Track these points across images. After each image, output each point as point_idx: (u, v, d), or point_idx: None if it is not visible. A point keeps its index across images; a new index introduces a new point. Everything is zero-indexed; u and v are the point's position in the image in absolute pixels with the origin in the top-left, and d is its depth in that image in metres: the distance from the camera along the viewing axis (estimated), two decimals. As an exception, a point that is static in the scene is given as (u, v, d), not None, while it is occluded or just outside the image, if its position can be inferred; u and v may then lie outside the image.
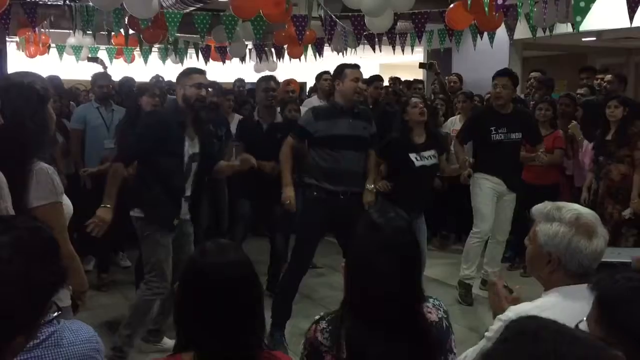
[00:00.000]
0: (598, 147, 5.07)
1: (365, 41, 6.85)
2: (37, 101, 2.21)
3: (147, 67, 8.48)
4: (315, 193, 4.01)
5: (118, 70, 8.42)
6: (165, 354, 1.69)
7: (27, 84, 2.21)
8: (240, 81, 8.40)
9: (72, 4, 6.58)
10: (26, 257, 1.14)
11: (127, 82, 6.24)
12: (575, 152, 5.66)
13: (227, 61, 8.63)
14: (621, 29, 6.27)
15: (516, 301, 1.98)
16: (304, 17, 5.74)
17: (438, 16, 5.95)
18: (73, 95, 6.92)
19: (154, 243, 3.66)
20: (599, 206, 4.87)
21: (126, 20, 6.16)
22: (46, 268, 1.17)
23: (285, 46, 7.93)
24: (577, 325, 1.41)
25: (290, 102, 5.72)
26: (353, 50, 7.26)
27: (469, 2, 4.45)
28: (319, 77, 6.73)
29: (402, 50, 7.22)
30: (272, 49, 8.52)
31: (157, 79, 6.49)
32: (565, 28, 5.67)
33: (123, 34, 7.17)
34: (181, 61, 8.93)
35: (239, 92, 7.86)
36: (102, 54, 9.38)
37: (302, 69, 8.73)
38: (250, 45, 8.50)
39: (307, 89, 10.44)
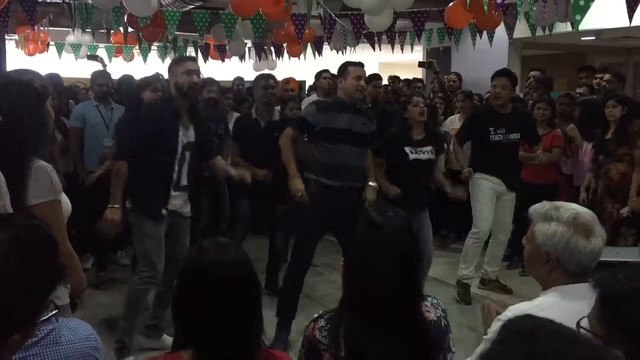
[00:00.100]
0: (598, 146, 5.07)
1: (365, 40, 6.85)
2: (36, 99, 2.21)
3: (146, 66, 8.47)
4: (314, 188, 4.00)
5: (117, 68, 8.41)
6: (164, 352, 1.69)
7: (25, 81, 2.21)
8: (239, 79, 8.40)
9: (71, 1, 6.57)
10: (23, 254, 1.14)
11: (127, 80, 6.22)
12: (573, 151, 5.66)
13: (226, 59, 8.63)
14: (620, 28, 6.27)
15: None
16: (304, 16, 5.74)
17: (437, 15, 5.95)
18: (72, 93, 6.91)
19: (142, 234, 3.71)
20: (598, 205, 4.88)
21: (125, 18, 6.16)
22: (44, 265, 1.17)
23: (285, 45, 7.93)
24: (578, 323, 1.42)
25: (290, 101, 5.72)
26: (352, 48, 7.26)
27: (468, 1, 4.45)
28: (319, 75, 6.73)
29: (402, 49, 7.22)
30: (272, 48, 8.51)
31: (158, 76, 6.47)
32: (564, 27, 5.67)
33: (122, 32, 7.16)
34: (180, 59, 8.90)
35: (238, 90, 7.85)
36: (101, 52, 9.37)
37: (301, 67, 8.72)
38: (249, 43, 8.50)
39: (307, 88, 10.44)
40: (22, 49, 9.17)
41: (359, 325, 1.67)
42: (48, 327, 1.37)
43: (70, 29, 8.20)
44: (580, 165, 5.57)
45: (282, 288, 4.30)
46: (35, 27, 7.66)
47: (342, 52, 7.44)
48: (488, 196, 4.91)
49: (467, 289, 5.03)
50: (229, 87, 7.39)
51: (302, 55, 7.80)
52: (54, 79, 5.63)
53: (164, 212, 3.70)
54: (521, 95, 6.81)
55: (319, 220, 4.04)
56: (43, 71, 3.26)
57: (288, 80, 6.71)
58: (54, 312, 1.28)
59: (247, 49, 8.71)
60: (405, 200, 4.11)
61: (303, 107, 5.79)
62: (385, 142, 4.47)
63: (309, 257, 4.16)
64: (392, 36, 6.78)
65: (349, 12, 5.94)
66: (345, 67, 4.10)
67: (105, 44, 9.16)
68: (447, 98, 6.79)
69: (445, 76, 7.38)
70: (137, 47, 8.55)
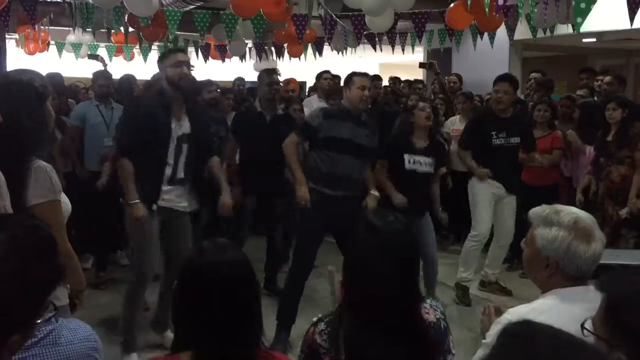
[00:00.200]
0: (599, 148, 5.07)
1: (366, 40, 6.85)
2: (36, 98, 2.20)
3: (147, 65, 8.47)
4: (315, 197, 3.99)
5: (117, 67, 8.41)
6: (164, 353, 1.69)
7: (25, 81, 2.21)
8: (240, 80, 8.39)
9: (72, 1, 6.56)
10: (23, 254, 1.14)
11: (127, 79, 6.23)
12: (573, 153, 5.66)
13: (226, 60, 8.62)
14: (621, 30, 6.27)
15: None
16: (304, 16, 5.74)
17: (438, 16, 5.94)
18: (72, 92, 6.91)
19: (133, 228, 3.70)
20: (599, 207, 4.88)
21: (126, 18, 6.15)
22: (43, 266, 1.17)
23: (285, 45, 7.92)
24: (583, 325, 1.42)
25: (292, 102, 5.71)
26: (353, 49, 7.26)
27: (469, 2, 4.45)
28: (319, 76, 6.73)
29: (402, 50, 7.22)
30: (272, 48, 8.50)
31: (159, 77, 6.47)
32: (565, 29, 5.66)
33: (123, 31, 7.15)
34: (181, 59, 8.89)
35: (238, 90, 7.85)
36: (102, 52, 9.38)
37: (301, 68, 8.71)
38: (250, 44, 8.49)
39: (307, 88, 10.43)
40: (22, 48, 9.17)
41: (358, 328, 1.67)
42: (47, 328, 1.37)
43: (70, 29, 8.20)
44: (580, 167, 5.57)
45: (283, 291, 4.30)
46: (36, 26, 7.67)
47: (343, 53, 7.44)
48: (487, 200, 4.90)
49: (466, 291, 5.03)
50: (230, 88, 7.38)
51: (302, 56, 7.79)
52: (56, 78, 5.63)
53: (154, 207, 3.67)
54: (522, 97, 6.81)
55: (319, 229, 4.07)
56: (43, 70, 3.26)
57: (289, 81, 6.70)
58: (53, 312, 1.27)
59: (247, 49, 8.70)
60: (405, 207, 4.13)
61: (303, 107, 5.80)
62: (387, 145, 4.47)
63: (311, 261, 4.16)
64: (392, 37, 6.78)
65: (350, 13, 5.93)
66: (350, 77, 4.11)
67: (106, 44, 9.16)
68: (448, 99, 6.79)
69: (446, 77, 7.38)
70: (137, 46, 8.55)
